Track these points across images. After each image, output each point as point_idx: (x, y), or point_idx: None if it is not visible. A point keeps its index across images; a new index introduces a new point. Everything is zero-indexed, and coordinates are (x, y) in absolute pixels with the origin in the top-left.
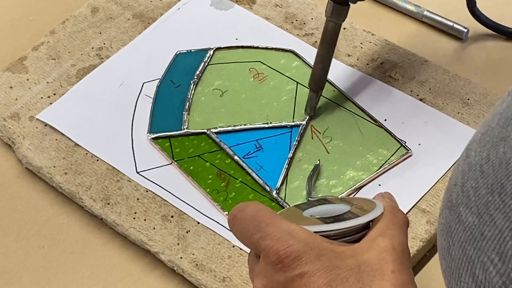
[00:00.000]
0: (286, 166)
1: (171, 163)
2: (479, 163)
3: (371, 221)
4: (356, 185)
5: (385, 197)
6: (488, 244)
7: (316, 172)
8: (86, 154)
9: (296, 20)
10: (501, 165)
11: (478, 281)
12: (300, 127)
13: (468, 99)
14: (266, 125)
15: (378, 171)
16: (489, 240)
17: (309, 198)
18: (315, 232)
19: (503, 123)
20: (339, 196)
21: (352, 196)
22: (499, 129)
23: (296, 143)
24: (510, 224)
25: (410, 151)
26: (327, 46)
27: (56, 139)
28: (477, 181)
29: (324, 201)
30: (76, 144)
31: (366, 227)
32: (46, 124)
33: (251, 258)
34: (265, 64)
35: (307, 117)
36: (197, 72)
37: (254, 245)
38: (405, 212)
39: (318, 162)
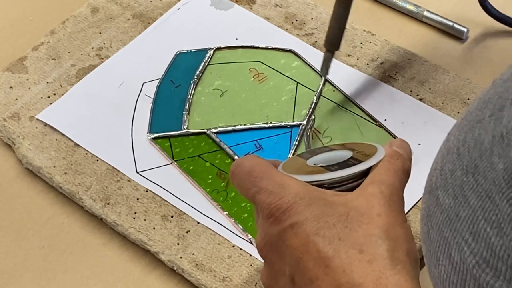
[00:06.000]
0: None
1: (171, 163)
2: (456, 146)
3: (370, 168)
4: None
5: (393, 145)
6: (462, 224)
7: (311, 126)
8: (86, 154)
9: (296, 20)
10: (475, 146)
11: (454, 262)
12: (300, 127)
13: (468, 99)
14: (266, 125)
15: None
16: (463, 221)
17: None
18: (307, 182)
19: (480, 106)
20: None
21: None
22: (476, 112)
23: (296, 143)
24: (482, 203)
25: None
26: (344, 5)
27: (56, 139)
28: (453, 163)
29: (326, 148)
30: (76, 144)
31: (365, 175)
32: (46, 124)
33: (255, 214)
34: (265, 64)
35: (307, 117)
36: (197, 72)
37: (252, 200)
38: (406, 212)
39: (313, 117)
